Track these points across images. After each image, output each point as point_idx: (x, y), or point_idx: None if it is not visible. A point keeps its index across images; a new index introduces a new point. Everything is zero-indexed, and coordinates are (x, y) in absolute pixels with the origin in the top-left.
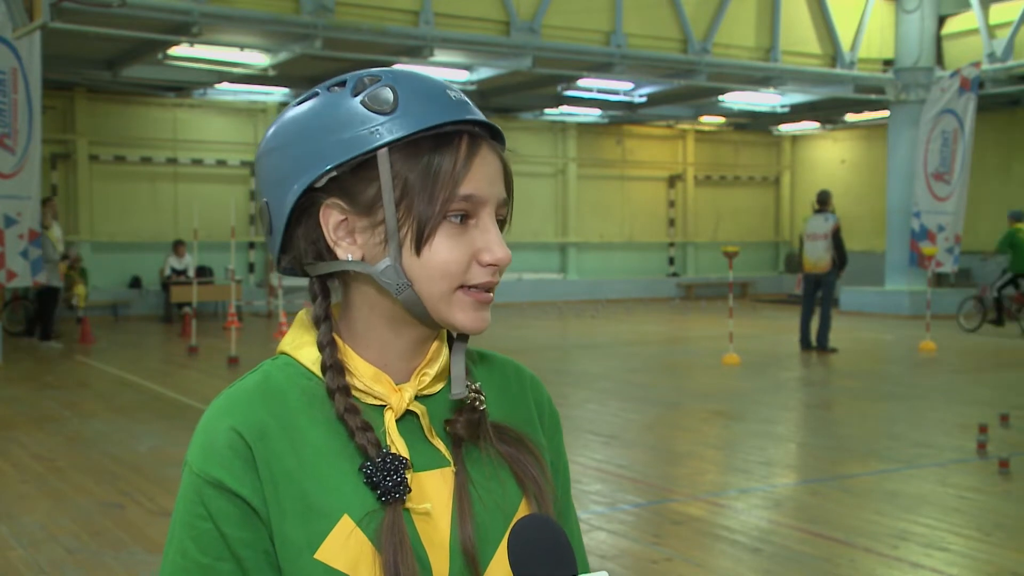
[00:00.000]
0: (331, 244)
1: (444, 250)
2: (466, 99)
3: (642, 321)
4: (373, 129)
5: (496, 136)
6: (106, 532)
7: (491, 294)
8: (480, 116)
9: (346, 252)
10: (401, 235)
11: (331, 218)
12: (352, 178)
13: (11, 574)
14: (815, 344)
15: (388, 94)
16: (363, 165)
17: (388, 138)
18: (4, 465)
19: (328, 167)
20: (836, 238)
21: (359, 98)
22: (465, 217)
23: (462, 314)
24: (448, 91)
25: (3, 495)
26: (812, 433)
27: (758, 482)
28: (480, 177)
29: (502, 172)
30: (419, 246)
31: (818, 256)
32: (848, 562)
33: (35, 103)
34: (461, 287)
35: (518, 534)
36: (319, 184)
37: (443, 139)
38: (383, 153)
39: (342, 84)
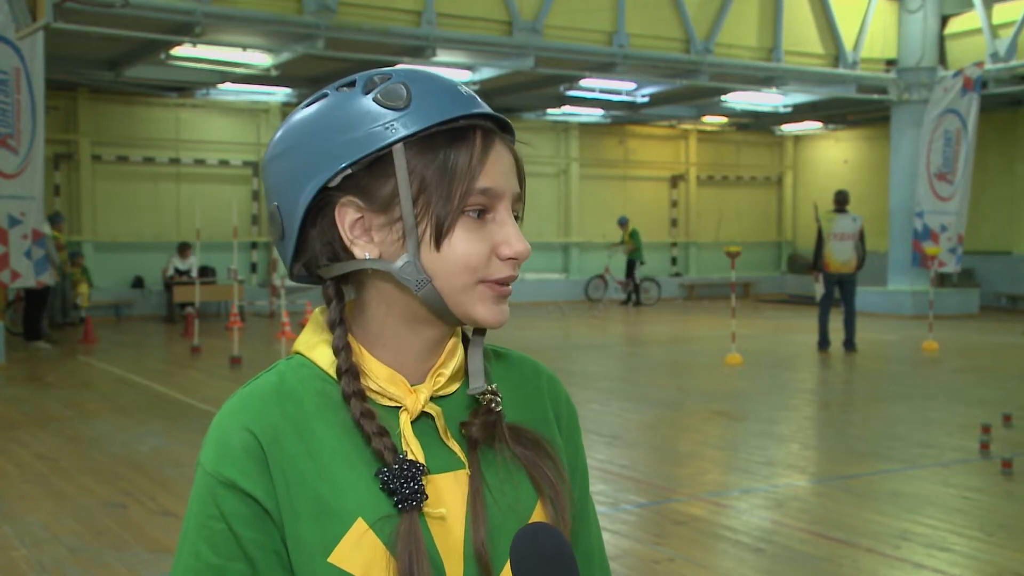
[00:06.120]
0: (347, 243)
1: (464, 244)
2: (475, 95)
3: (644, 321)
4: (388, 125)
5: (506, 130)
6: (108, 532)
7: (509, 288)
8: (490, 110)
9: (363, 251)
10: (420, 231)
11: (347, 217)
12: (367, 175)
13: (14, 574)
14: (844, 345)
15: (401, 90)
16: (378, 162)
17: (403, 132)
18: (7, 465)
19: (343, 165)
20: (862, 238)
21: (371, 95)
22: (482, 212)
23: (483, 308)
24: (458, 87)
25: (6, 495)
26: (814, 433)
27: (760, 482)
28: (496, 171)
29: (515, 166)
30: (439, 241)
31: (848, 256)
32: (850, 562)
33: (38, 103)
34: (482, 281)
35: (519, 544)
36: (333, 183)
37: (457, 134)
38: (399, 149)
39: (352, 84)
